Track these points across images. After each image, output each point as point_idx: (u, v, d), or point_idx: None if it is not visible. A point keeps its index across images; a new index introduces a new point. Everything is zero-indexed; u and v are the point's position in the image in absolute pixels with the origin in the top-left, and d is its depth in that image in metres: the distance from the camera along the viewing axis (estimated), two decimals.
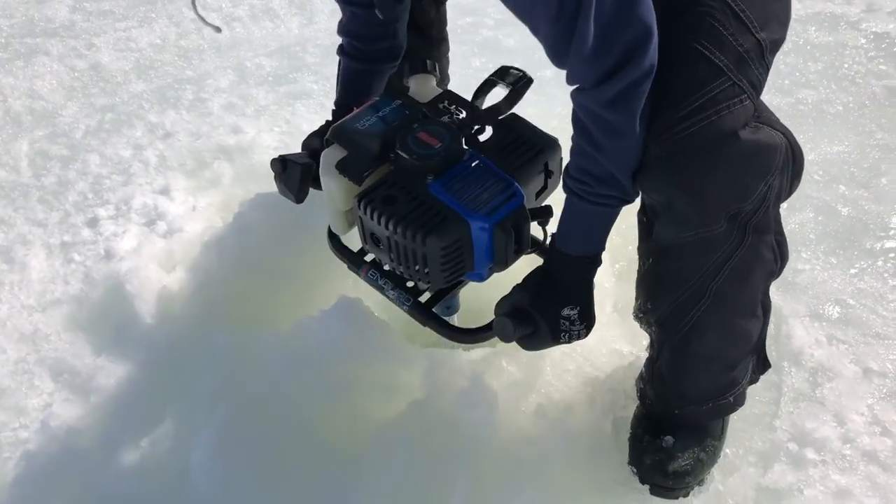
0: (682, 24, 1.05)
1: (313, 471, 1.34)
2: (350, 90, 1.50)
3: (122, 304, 1.65)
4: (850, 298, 1.65)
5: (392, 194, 1.22)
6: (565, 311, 1.20)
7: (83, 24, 2.67)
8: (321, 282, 1.63)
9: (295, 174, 1.41)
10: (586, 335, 1.23)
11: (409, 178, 1.23)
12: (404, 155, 1.25)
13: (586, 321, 1.22)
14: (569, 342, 1.23)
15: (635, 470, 1.33)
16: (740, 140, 1.03)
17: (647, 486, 1.32)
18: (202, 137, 2.17)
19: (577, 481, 1.30)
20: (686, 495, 1.33)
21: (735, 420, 1.40)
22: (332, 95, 1.54)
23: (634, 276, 1.61)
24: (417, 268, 1.22)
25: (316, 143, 1.42)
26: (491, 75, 1.37)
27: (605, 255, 1.21)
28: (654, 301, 1.24)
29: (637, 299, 1.30)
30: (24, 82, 2.43)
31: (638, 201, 1.18)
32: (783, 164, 1.08)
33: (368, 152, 1.28)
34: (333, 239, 1.45)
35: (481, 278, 1.28)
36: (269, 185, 1.60)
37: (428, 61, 1.50)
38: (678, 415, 1.33)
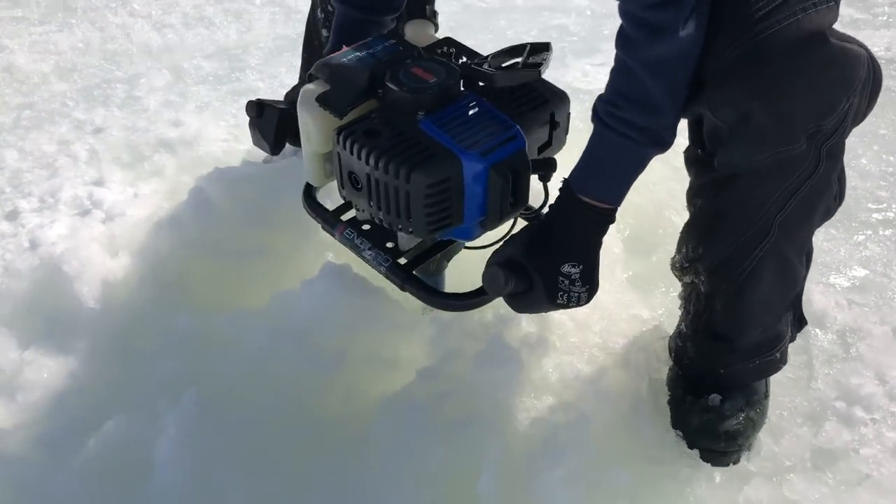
0: None
1: (310, 454, 1.12)
2: (343, 42, 1.34)
3: (55, 292, 1.39)
4: (860, 266, 1.57)
5: (375, 128, 1.05)
6: (566, 268, 1.03)
7: None
8: (296, 259, 1.42)
9: (271, 120, 1.23)
10: (587, 301, 1.05)
11: (397, 113, 1.07)
12: (394, 87, 1.08)
13: (589, 284, 1.04)
14: (566, 306, 1.05)
15: (681, 433, 1.17)
16: (829, 43, 0.93)
17: (695, 451, 1.16)
18: (138, 132, 1.95)
19: (620, 447, 1.13)
20: (737, 461, 1.17)
21: (771, 383, 1.26)
22: (281, 92, 1.37)
23: (643, 244, 1.50)
24: (399, 212, 1.04)
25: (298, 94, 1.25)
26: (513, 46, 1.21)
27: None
28: (707, 245, 1.11)
29: (681, 249, 1.17)
30: None
31: (678, 147, 1.06)
32: (865, 78, 0.98)
33: (354, 85, 1.11)
34: (308, 197, 1.26)
35: (469, 235, 1.11)
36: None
37: (427, 7, 1.37)
38: (723, 374, 1.18)
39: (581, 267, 1.03)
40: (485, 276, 1.05)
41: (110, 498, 1.10)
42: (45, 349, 1.31)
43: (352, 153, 1.04)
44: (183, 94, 2.11)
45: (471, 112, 1.09)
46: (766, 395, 1.22)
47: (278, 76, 2.18)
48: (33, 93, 2.13)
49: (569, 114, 1.16)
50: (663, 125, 0.99)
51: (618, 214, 1.05)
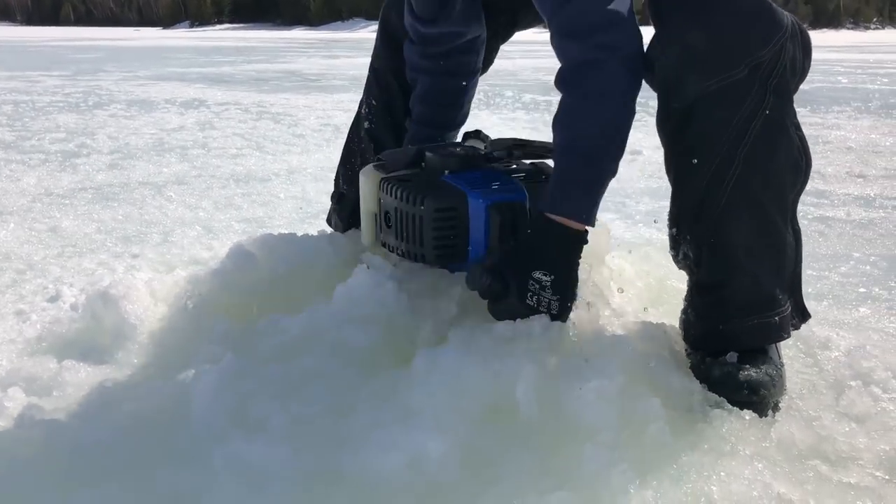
0: None
1: (353, 381, 1.14)
2: None
3: (99, 323, 1.47)
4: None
5: (408, 177, 1.40)
6: (536, 274, 1.20)
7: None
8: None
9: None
10: (559, 310, 1.21)
11: (428, 171, 1.42)
12: (430, 155, 1.43)
13: (560, 293, 1.21)
14: (537, 309, 1.20)
15: (706, 387, 1.20)
16: None
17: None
18: (173, 255, 2.12)
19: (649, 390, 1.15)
20: (765, 413, 1.19)
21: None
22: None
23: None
24: (414, 238, 1.32)
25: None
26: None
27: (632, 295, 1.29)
28: (682, 188, 1.25)
29: (670, 212, 1.30)
30: None
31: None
32: (793, 29, 1.22)
33: (403, 157, 1.47)
34: None
35: None
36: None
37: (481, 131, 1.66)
38: (723, 331, 1.25)
39: (552, 277, 1.20)
40: (467, 275, 1.24)
41: (152, 437, 1.09)
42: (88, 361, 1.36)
43: (387, 193, 1.37)
44: (215, 237, 2.31)
45: (485, 175, 1.39)
46: (782, 362, 1.27)
47: (299, 232, 2.39)
48: (76, 240, 2.32)
49: None
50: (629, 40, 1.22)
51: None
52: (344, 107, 5.88)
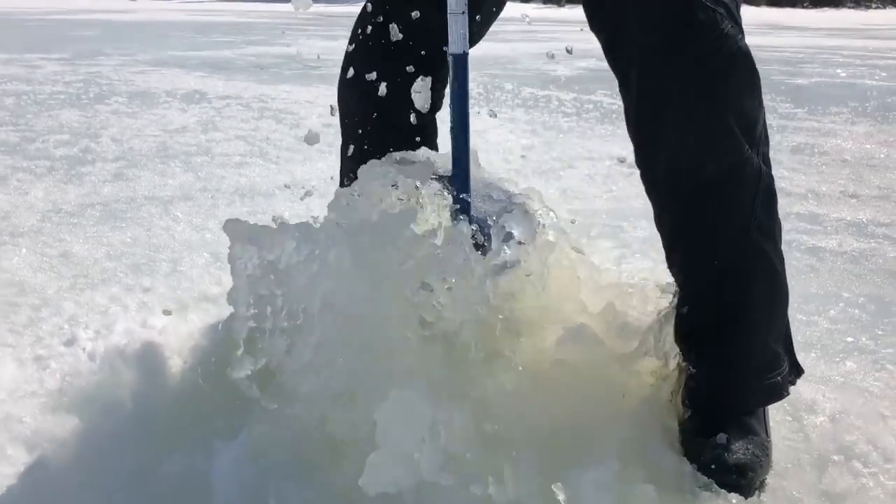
0: None
1: None
2: None
3: (118, 378, 1.53)
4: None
5: None
6: None
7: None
8: None
9: None
10: None
11: None
12: None
13: None
14: None
15: (696, 466, 1.28)
16: None
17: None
18: (183, 290, 2.18)
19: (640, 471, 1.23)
20: (752, 493, 1.26)
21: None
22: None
23: None
24: None
25: None
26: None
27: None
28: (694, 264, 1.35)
29: (675, 278, 1.38)
30: None
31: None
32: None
33: None
34: None
35: None
36: None
37: None
38: (733, 392, 1.33)
39: None
40: None
41: None
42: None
43: None
44: (223, 267, 2.36)
45: None
46: (769, 436, 1.35)
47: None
48: (87, 268, 2.38)
49: None
50: None
51: None
52: None
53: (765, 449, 1.31)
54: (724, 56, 1.24)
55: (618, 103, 1.37)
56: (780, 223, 1.37)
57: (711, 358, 1.34)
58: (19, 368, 1.73)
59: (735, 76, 1.26)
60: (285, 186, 3.33)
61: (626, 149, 1.42)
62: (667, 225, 1.36)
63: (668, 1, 1.24)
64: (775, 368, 1.33)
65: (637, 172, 1.36)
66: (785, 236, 2.80)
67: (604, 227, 2.81)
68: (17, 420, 1.50)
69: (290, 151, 4.11)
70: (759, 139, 1.31)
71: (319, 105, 5.80)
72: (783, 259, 1.37)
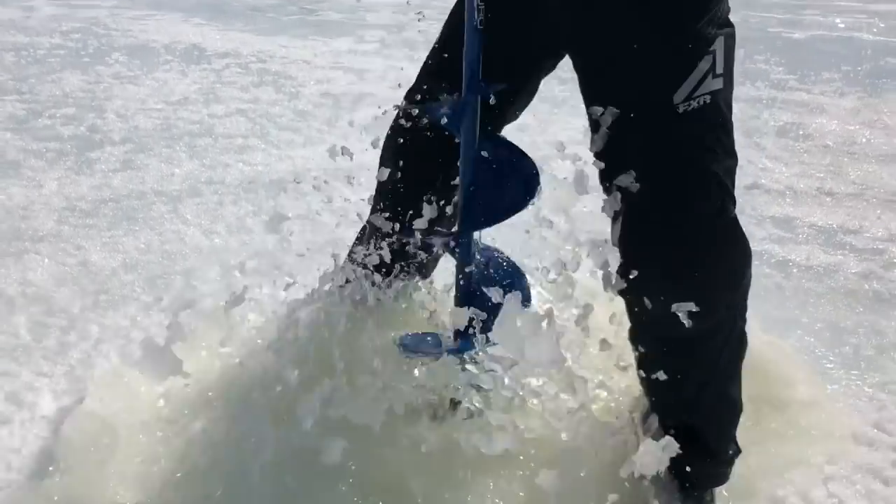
0: None
1: None
2: None
3: None
4: None
5: None
6: None
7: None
8: None
9: None
10: None
11: None
12: None
13: None
14: None
15: None
16: None
17: None
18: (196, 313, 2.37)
19: None
20: None
21: None
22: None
23: None
24: None
25: None
26: None
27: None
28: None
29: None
30: (15, 273, 2.59)
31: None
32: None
33: None
34: None
35: None
36: None
37: None
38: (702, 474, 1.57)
39: None
40: None
41: None
42: None
43: None
44: (233, 287, 2.56)
45: None
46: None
47: (312, 273, 2.65)
48: (106, 281, 2.57)
49: None
50: None
51: None
52: (341, 63, 5.98)
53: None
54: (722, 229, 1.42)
55: None
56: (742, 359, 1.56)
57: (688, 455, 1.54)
58: (55, 401, 1.95)
59: (730, 245, 1.43)
60: (284, 189, 3.46)
61: None
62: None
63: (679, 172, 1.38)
64: (727, 463, 1.57)
65: None
66: (758, 246, 3.01)
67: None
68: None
69: (290, 132, 4.24)
70: (740, 304, 1.49)
71: (317, 67, 5.88)
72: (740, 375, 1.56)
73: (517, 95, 1.64)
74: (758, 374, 1.84)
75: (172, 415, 1.83)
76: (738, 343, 1.52)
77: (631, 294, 1.44)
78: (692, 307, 1.37)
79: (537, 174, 1.53)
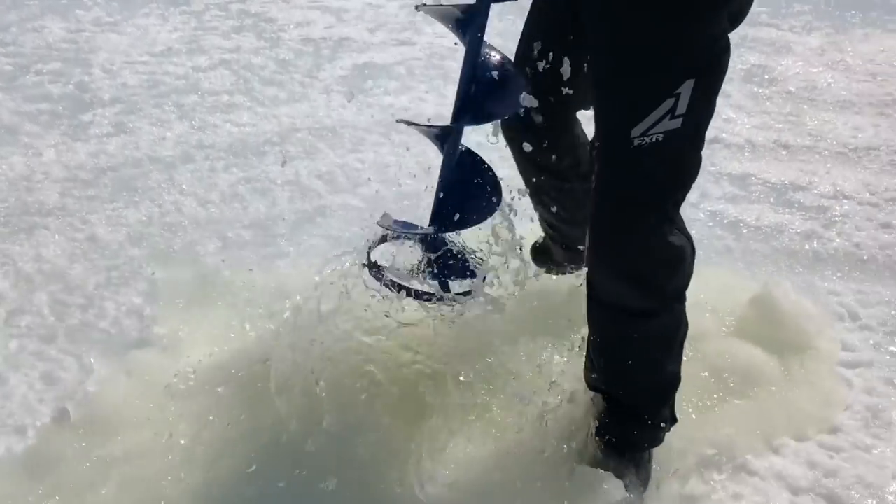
0: None
1: None
2: None
3: None
4: None
5: None
6: None
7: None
8: None
9: None
10: None
11: None
12: None
13: None
14: None
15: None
16: None
17: None
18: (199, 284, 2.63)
19: None
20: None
21: None
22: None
23: None
24: None
25: None
26: None
27: None
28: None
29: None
30: (29, 250, 2.81)
31: None
32: None
33: None
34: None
35: None
36: None
37: None
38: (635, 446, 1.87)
39: None
40: None
41: None
42: None
43: None
44: (231, 259, 2.80)
45: None
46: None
47: (303, 242, 2.90)
48: (114, 256, 2.80)
49: None
50: None
51: None
52: (319, 1, 6.00)
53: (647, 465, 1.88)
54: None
55: None
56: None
57: (619, 422, 1.85)
58: (85, 377, 2.22)
59: (663, 257, 1.68)
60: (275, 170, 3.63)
61: None
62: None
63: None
64: (662, 429, 1.87)
65: None
66: (714, 206, 3.25)
67: None
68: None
69: (274, 87, 4.38)
70: (679, 291, 1.76)
71: (295, 6, 5.92)
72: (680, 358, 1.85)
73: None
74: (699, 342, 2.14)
75: (186, 391, 2.10)
76: (676, 323, 1.79)
77: (588, 274, 1.75)
78: (636, 296, 1.69)
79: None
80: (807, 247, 2.96)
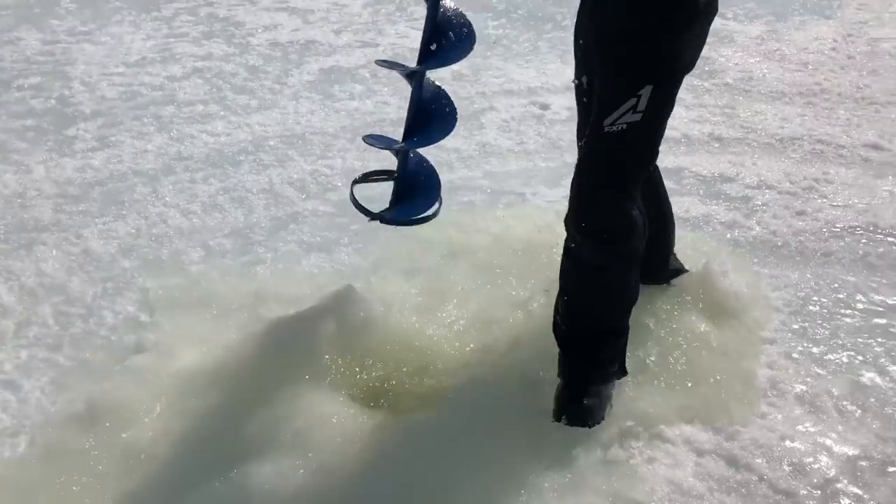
0: None
1: None
2: None
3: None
4: None
5: None
6: None
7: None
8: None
9: None
10: None
11: None
12: None
13: None
14: None
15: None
16: None
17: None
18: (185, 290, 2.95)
19: None
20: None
21: None
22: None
23: None
24: None
25: None
26: None
27: None
28: None
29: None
30: (30, 265, 3.11)
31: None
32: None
33: None
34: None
35: None
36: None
37: None
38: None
39: None
40: None
41: None
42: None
43: None
44: (215, 267, 3.11)
45: None
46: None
47: (279, 249, 3.22)
48: (108, 268, 3.11)
49: None
50: None
51: None
52: (286, 3, 6.24)
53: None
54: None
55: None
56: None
57: (580, 360, 2.29)
58: (92, 382, 2.53)
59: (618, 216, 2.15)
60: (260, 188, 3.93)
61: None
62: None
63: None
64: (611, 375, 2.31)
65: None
66: None
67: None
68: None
69: (245, 94, 4.66)
70: (632, 257, 2.22)
71: (262, 8, 6.16)
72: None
73: None
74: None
75: (185, 390, 2.43)
76: (626, 278, 2.25)
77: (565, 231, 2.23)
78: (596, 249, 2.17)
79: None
80: (728, 236, 3.33)
